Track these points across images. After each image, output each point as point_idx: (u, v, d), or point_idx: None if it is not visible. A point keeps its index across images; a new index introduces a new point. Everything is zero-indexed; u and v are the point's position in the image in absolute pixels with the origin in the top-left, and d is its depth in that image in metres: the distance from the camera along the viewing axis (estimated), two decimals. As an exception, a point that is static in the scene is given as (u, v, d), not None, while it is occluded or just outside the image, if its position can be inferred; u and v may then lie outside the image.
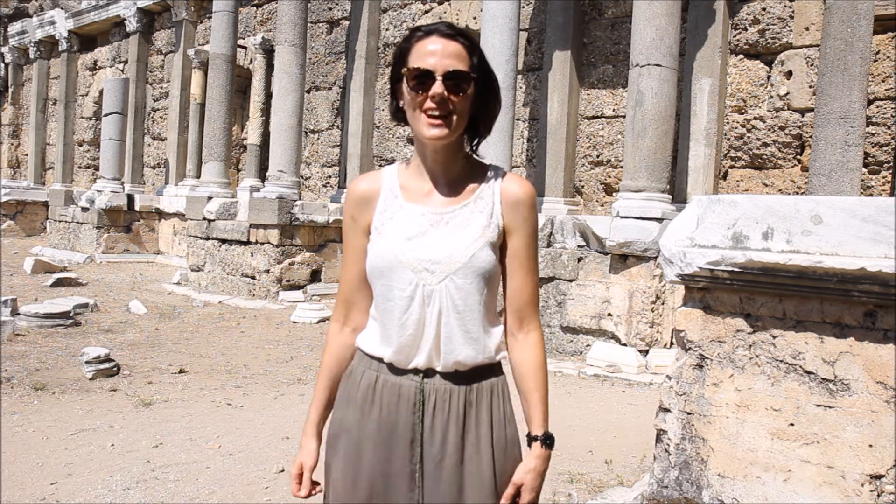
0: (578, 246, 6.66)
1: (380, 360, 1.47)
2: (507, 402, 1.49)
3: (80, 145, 17.18)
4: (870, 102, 6.32)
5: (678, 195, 7.22)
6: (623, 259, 6.26)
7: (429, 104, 1.35)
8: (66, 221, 14.12)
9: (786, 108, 6.96)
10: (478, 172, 1.48)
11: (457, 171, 1.46)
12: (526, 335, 1.50)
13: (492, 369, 1.48)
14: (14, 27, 19.06)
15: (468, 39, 1.40)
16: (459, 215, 1.43)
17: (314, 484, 1.56)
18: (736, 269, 1.99)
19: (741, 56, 7.24)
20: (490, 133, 1.49)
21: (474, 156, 1.50)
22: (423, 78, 1.35)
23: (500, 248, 1.46)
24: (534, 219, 1.48)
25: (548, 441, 1.47)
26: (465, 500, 1.42)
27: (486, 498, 1.43)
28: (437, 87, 1.34)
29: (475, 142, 1.48)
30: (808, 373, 1.95)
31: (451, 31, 1.39)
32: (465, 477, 1.43)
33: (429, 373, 1.44)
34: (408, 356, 1.43)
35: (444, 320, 1.41)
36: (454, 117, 1.36)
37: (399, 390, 1.44)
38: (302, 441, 1.58)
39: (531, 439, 1.47)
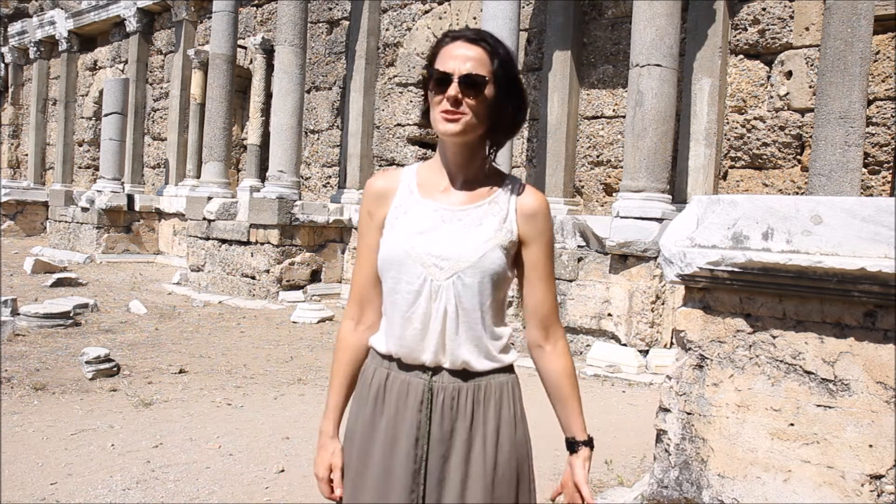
0: (578, 246, 6.66)
1: (390, 357, 1.49)
2: (517, 402, 1.50)
3: (80, 145, 17.18)
4: (870, 102, 6.32)
5: (678, 195, 7.22)
6: (623, 259, 6.26)
7: (444, 104, 1.40)
8: (66, 221, 14.12)
9: (786, 108, 6.95)
10: (495, 178, 1.52)
11: (474, 172, 1.50)
12: (554, 345, 1.53)
13: (501, 368, 1.49)
14: (14, 27, 19.06)
15: (492, 46, 1.44)
16: (472, 215, 1.46)
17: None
18: (736, 270, 1.99)
19: (741, 56, 7.24)
20: (511, 138, 1.53)
21: (494, 163, 1.53)
22: (443, 80, 1.41)
23: (515, 257, 1.48)
24: (550, 230, 1.52)
25: (592, 443, 1.57)
26: (468, 499, 1.43)
27: (487, 497, 1.43)
28: (452, 90, 1.39)
29: (493, 147, 1.51)
30: (808, 373, 1.95)
31: (476, 37, 1.44)
32: (470, 476, 1.43)
33: (437, 370, 1.45)
34: (413, 351, 1.45)
35: (449, 317, 1.42)
36: (467, 117, 1.40)
37: (407, 388, 1.45)
38: (324, 442, 1.57)
39: (580, 443, 1.54)
